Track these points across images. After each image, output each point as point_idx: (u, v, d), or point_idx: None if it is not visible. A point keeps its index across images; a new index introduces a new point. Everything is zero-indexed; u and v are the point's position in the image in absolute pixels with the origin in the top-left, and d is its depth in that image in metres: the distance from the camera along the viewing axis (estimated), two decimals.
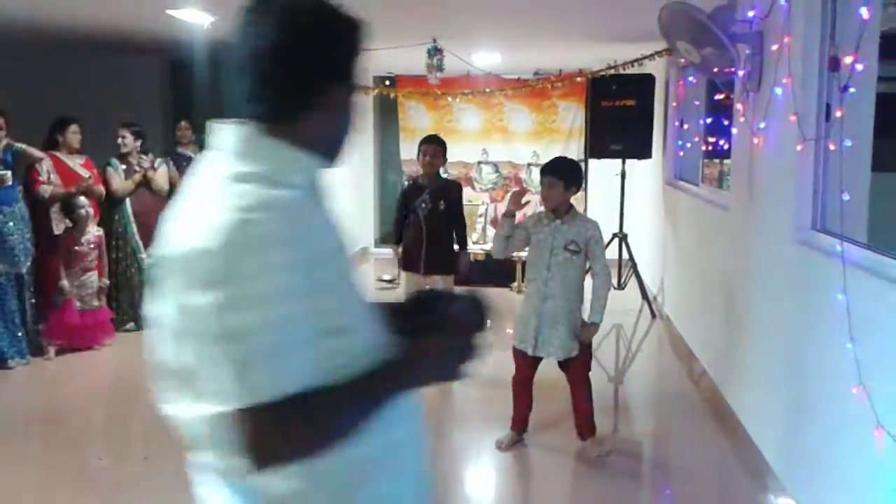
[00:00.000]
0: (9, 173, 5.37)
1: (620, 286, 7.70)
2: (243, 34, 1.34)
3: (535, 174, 10.00)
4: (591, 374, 4.18)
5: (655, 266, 7.48)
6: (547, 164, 4.14)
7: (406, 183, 5.34)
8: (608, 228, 7.75)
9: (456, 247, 5.38)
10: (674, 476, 4.09)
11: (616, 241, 7.56)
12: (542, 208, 4.13)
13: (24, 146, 5.59)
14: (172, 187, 6.94)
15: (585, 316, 4.05)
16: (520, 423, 4.25)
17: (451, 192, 5.36)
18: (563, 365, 4.14)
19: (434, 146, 5.25)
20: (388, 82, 10.02)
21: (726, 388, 4.55)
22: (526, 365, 4.13)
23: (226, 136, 1.33)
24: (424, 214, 5.18)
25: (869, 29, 3.00)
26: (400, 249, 5.40)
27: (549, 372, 4.21)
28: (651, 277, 7.60)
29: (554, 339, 3.99)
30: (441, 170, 5.52)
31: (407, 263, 5.32)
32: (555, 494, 3.85)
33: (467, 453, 4.32)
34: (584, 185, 9.98)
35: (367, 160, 10.39)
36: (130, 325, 6.42)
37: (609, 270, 4.06)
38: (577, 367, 4.10)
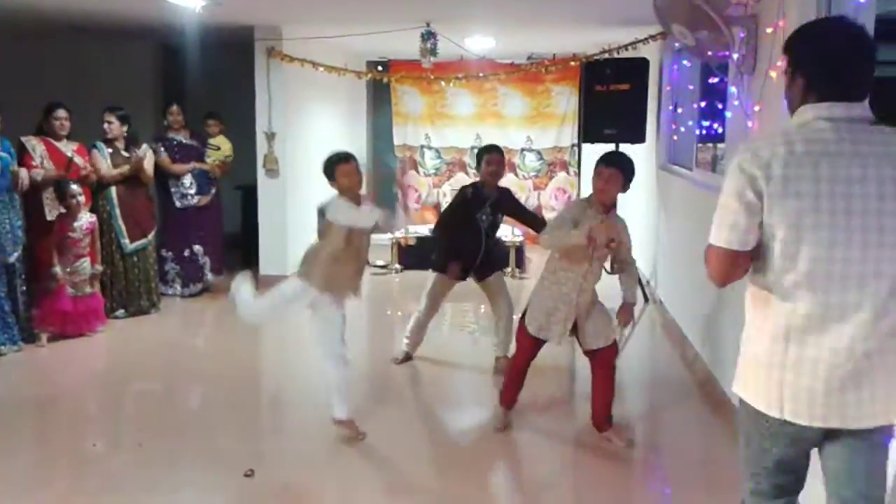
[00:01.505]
0: None
1: (614, 271, 7.70)
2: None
3: (529, 159, 10.01)
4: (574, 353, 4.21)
5: (649, 250, 7.48)
6: (610, 155, 4.05)
7: (468, 191, 5.09)
8: None
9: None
10: (667, 459, 4.10)
11: None
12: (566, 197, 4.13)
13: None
14: (161, 173, 6.91)
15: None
16: (510, 402, 4.29)
17: (508, 202, 5.21)
18: (591, 353, 4.13)
19: (499, 156, 5.05)
20: (381, 67, 9.98)
21: (719, 371, 4.56)
22: (532, 350, 4.14)
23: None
24: (486, 227, 5.05)
25: (864, 12, 2.99)
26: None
27: (541, 355, 4.21)
28: (644, 262, 7.60)
29: (590, 329, 4.02)
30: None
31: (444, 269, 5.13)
32: (548, 477, 3.86)
33: (460, 437, 4.32)
34: (578, 171, 9.98)
35: (359, 145, 10.34)
36: (120, 311, 6.40)
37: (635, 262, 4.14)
38: (608, 355, 4.10)
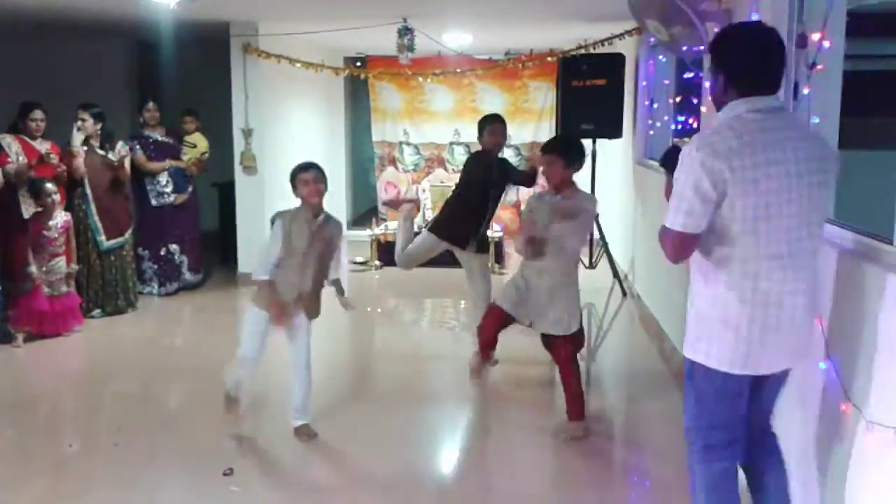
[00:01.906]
0: None
1: (592, 265, 7.75)
2: None
3: (507, 154, 10.02)
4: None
5: (626, 245, 7.53)
6: (547, 141, 4.26)
7: (482, 159, 5.04)
8: None
9: None
10: (645, 453, 4.13)
11: None
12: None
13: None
14: (137, 171, 6.86)
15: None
16: (487, 357, 4.37)
17: (509, 170, 5.23)
18: (547, 343, 4.20)
19: (502, 126, 5.05)
20: (358, 63, 9.96)
21: None
22: (501, 317, 4.18)
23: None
24: (493, 196, 5.05)
25: (836, 6, 3.02)
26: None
27: (527, 348, 4.23)
28: (622, 256, 7.65)
29: (550, 314, 4.06)
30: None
31: (451, 235, 5.08)
32: (525, 471, 3.87)
33: (438, 431, 4.33)
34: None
35: (338, 142, 10.32)
36: (97, 311, 6.35)
37: (579, 243, 4.14)
38: (562, 347, 4.14)
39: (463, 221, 5.04)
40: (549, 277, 4.03)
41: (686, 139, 6.22)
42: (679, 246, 2.43)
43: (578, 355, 4.26)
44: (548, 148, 4.13)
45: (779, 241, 2.33)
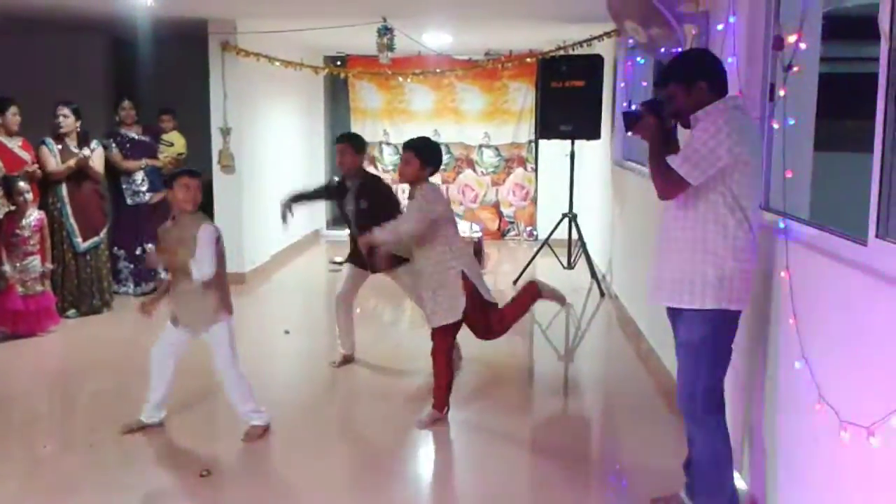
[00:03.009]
0: None
1: (570, 265, 7.78)
2: None
3: (487, 155, 10.04)
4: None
5: (604, 245, 7.55)
6: (407, 141, 4.39)
7: (333, 183, 5.25)
8: (558, 208, 7.84)
9: None
10: (622, 454, 4.14)
11: (566, 220, 7.62)
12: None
13: None
14: (113, 169, 6.79)
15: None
16: (441, 399, 4.32)
17: (370, 189, 5.06)
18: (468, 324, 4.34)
19: (341, 145, 5.06)
20: (338, 62, 9.93)
21: (673, 365, 4.61)
22: (437, 338, 4.28)
23: None
24: (352, 216, 5.02)
25: (812, 8, 3.05)
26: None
27: (499, 356, 4.23)
28: (600, 257, 7.68)
29: (433, 305, 4.21)
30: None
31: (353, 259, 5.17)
32: (497, 476, 3.86)
33: (413, 430, 4.32)
34: (535, 167, 10.01)
35: (317, 143, 10.28)
36: (72, 311, 6.28)
37: (404, 222, 4.18)
38: (472, 321, 4.29)
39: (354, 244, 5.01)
40: (419, 277, 4.28)
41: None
42: (677, 191, 2.94)
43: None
44: (406, 146, 4.32)
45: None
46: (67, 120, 6.21)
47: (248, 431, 4.08)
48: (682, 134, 3.19)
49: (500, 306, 4.38)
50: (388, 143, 10.18)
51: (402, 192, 9.75)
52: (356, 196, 4.96)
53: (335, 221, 10.43)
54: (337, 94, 10.48)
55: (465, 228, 8.23)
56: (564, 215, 7.62)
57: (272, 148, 8.29)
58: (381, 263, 4.77)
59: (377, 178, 5.33)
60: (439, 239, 4.15)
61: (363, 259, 4.81)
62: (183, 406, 4.37)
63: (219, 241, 3.93)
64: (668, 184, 2.89)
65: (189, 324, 4.03)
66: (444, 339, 4.23)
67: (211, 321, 3.97)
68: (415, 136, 4.70)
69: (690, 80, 2.94)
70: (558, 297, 4.59)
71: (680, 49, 4.06)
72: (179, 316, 4.04)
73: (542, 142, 9.06)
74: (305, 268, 8.67)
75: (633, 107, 6.46)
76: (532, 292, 4.49)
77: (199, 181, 3.96)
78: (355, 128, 10.09)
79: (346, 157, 5.00)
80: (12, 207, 5.69)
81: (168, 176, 3.97)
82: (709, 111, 2.90)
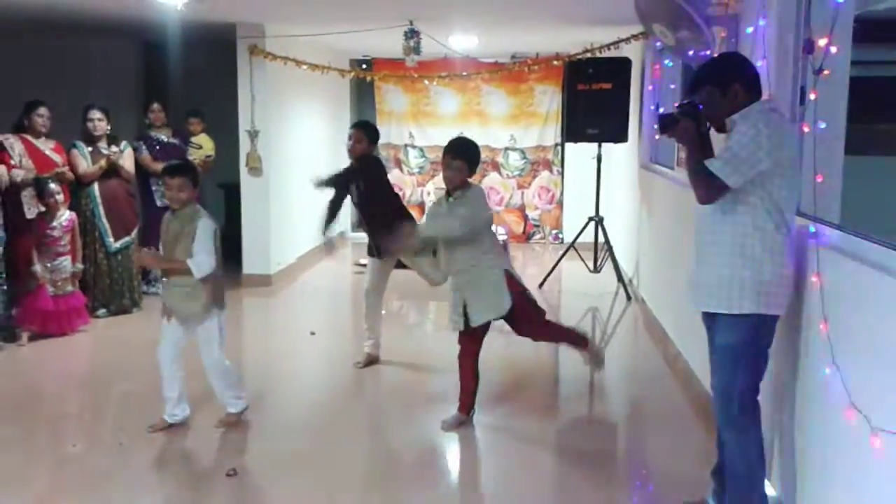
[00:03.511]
0: None
1: (596, 269, 7.74)
2: None
3: (512, 158, 10.03)
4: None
5: (631, 249, 7.51)
6: (448, 143, 4.28)
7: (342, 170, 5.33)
8: (585, 212, 7.82)
9: None
10: (648, 459, 4.12)
11: (592, 224, 7.59)
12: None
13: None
14: (143, 171, 6.87)
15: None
16: (466, 403, 4.29)
17: (366, 170, 5.20)
18: (514, 329, 4.32)
19: (353, 131, 5.23)
20: (364, 65, 9.97)
21: (701, 370, 4.59)
22: (465, 345, 4.25)
23: None
24: (355, 199, 5.16)
25: (843, 12, 3.02)
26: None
27: (525, 358, 4.22)
28: (626, 260, 7.64)
29: (477, 306, 4.13)
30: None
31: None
32: (522, 480, 3.85)
33: (438, 434, 4.32)
34: (562, 170, 9.99)
35: (343, 144, 10.31)
36: (102, 311, 6.36)
37: (465, 225, 4.06)
38: (525, 323, 4.27)
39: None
40: (465, 275, 4.17)
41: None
42: (718, 195, 2.91)
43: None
44: (447, 149, 4.20)
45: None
46: (101, 123, 6.30)
47: (223, 419, 4.21)
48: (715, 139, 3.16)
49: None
50: (414, 146, 10.20)
51: (427, 194, 9.82)
52: (358, 178, 5.09)
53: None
54: (363, 97, 10.52)
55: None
56: (591, 219, 7.59)
57: (299, 150, 8.34)
58: (390, 250, 4.86)
59: (375, 159, 5.44)
60: (482, 240, 4.15)
61: (376, 247, 5.01)
62: (210, 405, 4.40)
63: (215, 236, 4.01)
64: (708, 187, 2.87)
65: (182, 320, 4.08)
66: (471, 342, 4.23)
67: (203, 318, 4.04)
68: (441, 138, 4.76)
69: (726, 82, 2.92)
70: (595, 360, 4.57)
71: (709, 52, 4.04)
72: (173, 311, 4.09)
73: (568, 145, 9.04)
74: (331, 270, 8.71)
75: (662, 109, 6.43)
76: (584, 339, 4.48)
77: (183, 178, 4.00)
78: (381, 130, 10.07)
79: (361, 144, 5.11)
80: (42, 208, 5.78)
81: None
82: (745, 114, 2.88)
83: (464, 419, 4.28)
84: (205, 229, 3.96)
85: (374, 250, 5.17)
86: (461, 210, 4.09)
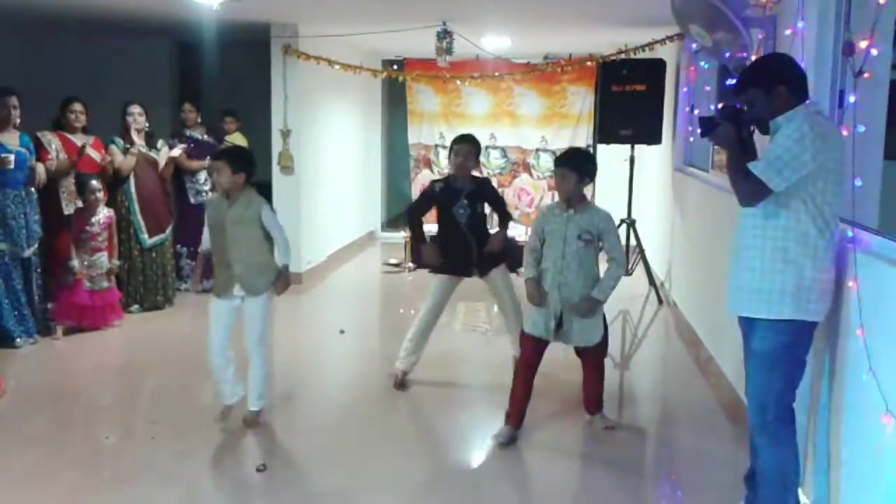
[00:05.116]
0: (11, 156, 5.34)
1: (628, 272, 7.68)
2: None
3: (543, 159, 9.98)
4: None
5: (663, 252, 7.46)
6: (560, 155, 4.21)
7: (437, 185, 4.95)
8: (616, 214, 7.73)
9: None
10: (679, 463, 4.09)
11: (624, 226, 7.54)
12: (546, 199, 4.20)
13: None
14: (177, 169, 6.94)
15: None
16: (516, 416, 4.17)
17: (487, 192, 4.98)
18: (579, 351, 4.25)
19: (467, 147, 4.80)
20: (396, 66, 9.99)
21: (733, 374, 4.54)
22: (531, 353, 4.16)
23: None
24: (465, 221, 4.79)
25: (884, 13, 2.97)
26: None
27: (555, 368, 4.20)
28: (659, 264, 7.58)
29: (575, 327, 4.07)
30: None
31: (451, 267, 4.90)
32: (551, 486, 3.84)
33: (468, 435, 4.32)
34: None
35: (374, 144, 10.36)
36: (135, 306, 6.44)
37: (624, 258, 4.08)
38: (592, 355, 4.24)
39: (446, 253, 4.86)
40: (568, 289, 4.04)
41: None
42: (759, 197, 2.87)
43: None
44: (560, 161, 4.10)
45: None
46: (141, 118, 6.42)
47: (245, 418, 4.24)
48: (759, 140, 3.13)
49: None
50: (444, 146, 10.20)
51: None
52: (473, 200, 4.82)
53: (390, 223, 10.50)
54: (394, 97, 10.53)
55: (521, 232, 8.23)
56: (623, 221, 7.53)
57: (331, 149, 8.38)
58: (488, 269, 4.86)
59: (488, 181, 5.29)
60: (596, 268, 4.15)
61: (456, 265, 4.84)
62: (240, 400, 4.44)
63: None
64: (750, 191, 2.84)
65: (248, 289, 4.15)
66: (537, 353, 4.16)
67: (266, 287, 4.18)
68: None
69: (770, 84, 2.88)
70: (607, 423, 4.38)
71: (745, 54, 4.00)
72: (240, 281, 4.15)
73: (600, 146, 8.98)
74: (361, 268, 8.75)
75: (697, 111, 6.38)
76: (601, 402, 4.39)
77: (222, 161, 4.15)
78: (412, 130, 10.13)
79: (469, 159, 4.79)
80: (81, 205, 5.87)
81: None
82: (791, 116, 2.84)
83: (516, 433, 4.16)
84: (272, 215, 4.20)
85: (455, 268, 4.89)
86: (607, 245, 4.07)
